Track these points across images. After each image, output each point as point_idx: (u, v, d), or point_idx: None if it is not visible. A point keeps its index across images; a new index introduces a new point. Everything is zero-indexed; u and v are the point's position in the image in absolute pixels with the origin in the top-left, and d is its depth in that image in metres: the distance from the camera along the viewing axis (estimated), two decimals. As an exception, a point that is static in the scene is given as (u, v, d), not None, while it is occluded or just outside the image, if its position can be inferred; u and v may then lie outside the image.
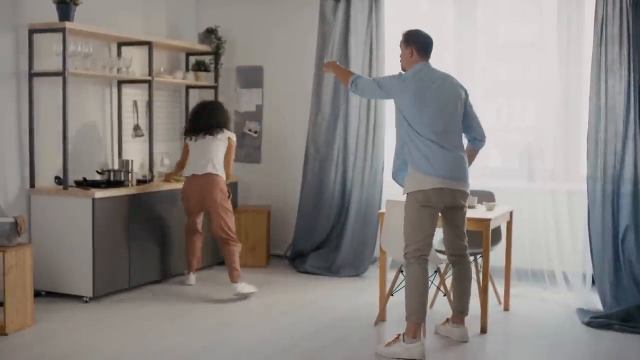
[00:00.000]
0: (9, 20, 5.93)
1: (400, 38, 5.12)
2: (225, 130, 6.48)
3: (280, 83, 7.90)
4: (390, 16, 7.21)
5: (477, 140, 5.26)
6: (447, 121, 4.96)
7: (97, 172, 6.52)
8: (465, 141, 5.20)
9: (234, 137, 6.53)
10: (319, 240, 7.46)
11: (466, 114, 5.13)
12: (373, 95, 5.37)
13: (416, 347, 4.82)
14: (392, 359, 4.83)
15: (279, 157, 7.86)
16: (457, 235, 5.14)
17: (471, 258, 5.71)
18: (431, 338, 5.23)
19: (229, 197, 6.43)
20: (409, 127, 4.92)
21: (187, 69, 7.81)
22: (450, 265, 5.28)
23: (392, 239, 5.34)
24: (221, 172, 6.39)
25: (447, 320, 5.26)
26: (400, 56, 5.11)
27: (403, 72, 5.04)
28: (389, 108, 7.19)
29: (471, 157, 5.29)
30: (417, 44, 5.02)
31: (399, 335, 4.91)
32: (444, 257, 5.41)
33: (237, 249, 6.39)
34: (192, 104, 7.92)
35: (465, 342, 5.15)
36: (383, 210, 5.53)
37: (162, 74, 7.22)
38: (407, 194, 4.95)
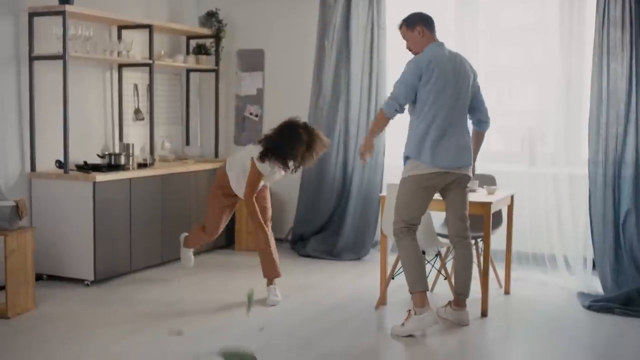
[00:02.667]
0: (9, 3, 5.90)
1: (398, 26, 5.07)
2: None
3: (281, 66, 7.87)
4: (392, 0, 7.17)
5: (483, 122, 5.26)
6: (460, 106, 4.99)
7: (98, 155, 6.51)
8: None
9: (259, 165, 5.55)
10: (320, 224, 7.46)
11: (475, 96, 5.13)
12: (407, 96, 4.94)
13: (427, 316, 4.86)
14: (409, 337, 4.86)
15: (280, 141, 7.84)
16: (460, 217, 5.15)
17: (472, 241, 5.72)
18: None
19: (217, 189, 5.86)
20: (421, 112, 4.89)
21: (187, 53, 7.79)
22: (452, 247, 5.28)
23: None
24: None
25: (449, 303, 5.27)
26: (409, 43, 5.03)
27: (416, 56, 4.94)
28: (390, 92, 7.16)
29: (479, 142, 5.33)
30: (423, 22, 4.98)
31: (409, 311, 4.94)
32: (445, 240, 5.41)
33: (200, 235, 6.07)
34: (193, 87, 7.96)
35: (466, 325, 5.16)
36: (384, 193, 5.52)
37: (163, 58, 7.20)
38: (407, 176, 4.96)
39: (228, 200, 5.84)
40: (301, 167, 5.72)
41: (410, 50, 5.06)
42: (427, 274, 5.05)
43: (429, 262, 5.54)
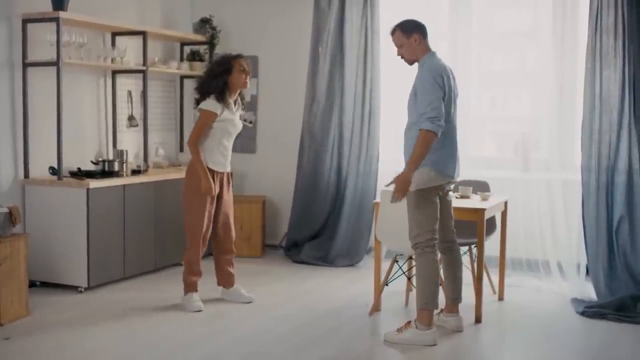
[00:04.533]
0: (3, 9, 5.90)
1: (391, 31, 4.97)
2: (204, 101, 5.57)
3: (275, 73, 7.87)
4: (386, 5, 7.19)
5: None
6: (456, 115, 4.97)
7: (92, 162, 6.50)
8: None
9: (206, 105, 5.53)
10: (314, 230, 7.46)
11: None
12: (442, 109, 4.71)
13: (429, 334, 4.86)
14: (403, 345, 4.84)
15: (274, 147, 7.86)
16: (449, 221, 5.16)
17: (466, 248, 5.73)
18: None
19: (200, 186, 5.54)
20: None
21: (181, 59, 7.79)
22: (441, 253, 5.26)
23: (387, 229, 5.34)
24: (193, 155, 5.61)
25: (441, 310, 5.26)
26: (403, 49, 4.89)
27: (428, 69, 4.81)
28: (384, 97, 7.19)
29: None
30: (419, 30, 4.88)
31: (410, 322, 4.93)
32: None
33: (188, 255, 5.65)
34: (187, 93, 7.94)
35: (460, 331, 5.16)
36: (378, 199, 5.52)
37: (157, 64, 7.19)
38: (424, 188, 4.85)
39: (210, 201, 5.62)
40: (239, 99, 5.69)
41: (402, 57, 4.94)
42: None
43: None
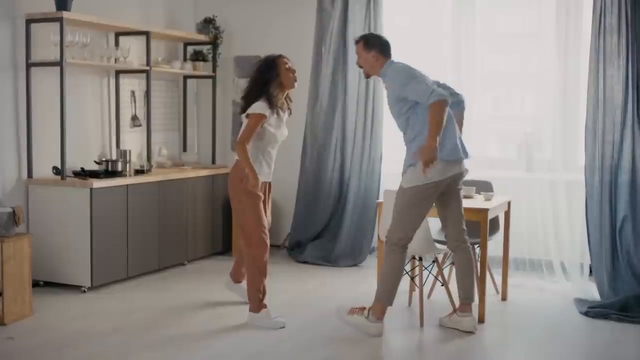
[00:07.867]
0: (6, 9, 5.91)
1: (357, 40, 5.09)
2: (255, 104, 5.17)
3: (278, 73, 7.85)
4: (389, 6, 7.18)
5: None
6: None
7: (95, 162, 6.51)
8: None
9: (255, 108, 5.14)
10: (317, 230, 7.46)
11: None
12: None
13: (376, 326, 4.98)
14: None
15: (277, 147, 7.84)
16: (459, 220, 5.14)
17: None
18: (428, 329, 5.22)
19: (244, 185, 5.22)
20: (423, 113, 4.84)
21: (185, 59, 7.79)
22: (451, 252, 5.25)
23: (390, 229, 5.34)
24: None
25: (454, 311, 5.23)
26: (361, 61, 5.06)
27: (397, 70, 4.93)
28: (386, 97, 7.17)
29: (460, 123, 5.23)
30: (380, 48, 5.01)
31: (365, 308, 5.00)
32: (442, 247, 5.41)
33: (252, 259, 5.32)
34: (190, 93, 7.95)
35: (473, 332, 5.11)
36: (381, 200, 5.53)
37: (160, 64, 7.20)
38: (416, 186, 4.87)
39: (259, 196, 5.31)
40: (286, 100, 5.33)
41: (361, 67, 5.10)
42: (424, 281, 5.18)
43: (425, 268, 5.54)
